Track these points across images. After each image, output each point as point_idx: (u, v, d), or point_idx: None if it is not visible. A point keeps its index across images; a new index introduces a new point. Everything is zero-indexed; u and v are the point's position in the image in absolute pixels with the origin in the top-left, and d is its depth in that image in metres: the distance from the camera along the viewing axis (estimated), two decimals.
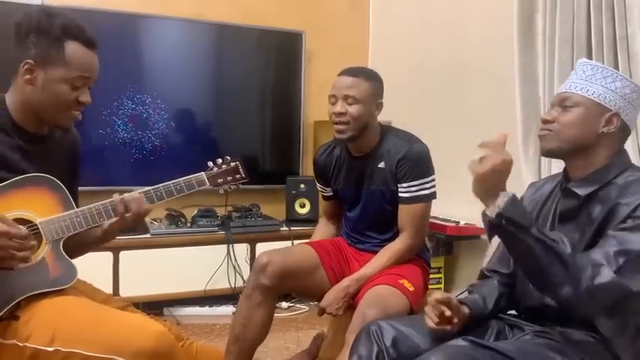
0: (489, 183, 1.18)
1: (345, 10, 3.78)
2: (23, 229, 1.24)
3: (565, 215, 1.35)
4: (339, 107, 1.81)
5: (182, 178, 1.52)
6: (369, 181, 1.91)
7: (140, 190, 1.47)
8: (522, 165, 2.41)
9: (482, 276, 1.55)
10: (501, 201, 1.17)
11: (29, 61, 1.34)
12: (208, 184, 1.55)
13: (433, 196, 1.88)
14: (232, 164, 1.59)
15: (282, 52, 3.52)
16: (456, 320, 1.34)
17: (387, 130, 1.94)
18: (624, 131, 1.33)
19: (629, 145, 2.01)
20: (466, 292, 1.48)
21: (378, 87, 1.88)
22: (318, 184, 2.14)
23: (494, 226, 1.19)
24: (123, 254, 2.84)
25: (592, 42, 2.13)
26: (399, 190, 1.86)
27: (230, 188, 1.60)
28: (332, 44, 3.68)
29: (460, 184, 2.99)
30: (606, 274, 1.14)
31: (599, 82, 1.30)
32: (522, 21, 2.42)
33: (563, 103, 1.33)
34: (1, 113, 1.36)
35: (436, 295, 1.36)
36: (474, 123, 2.94)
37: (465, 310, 1.38)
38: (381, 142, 1.90)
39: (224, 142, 3.40)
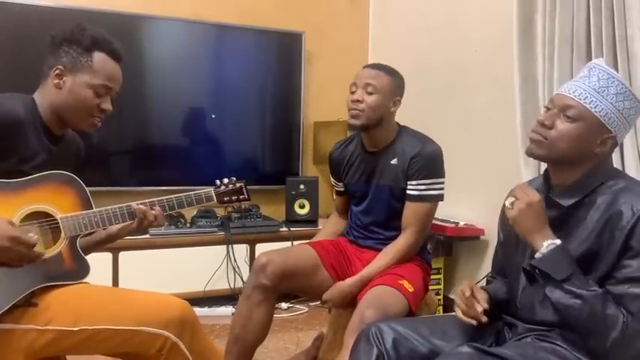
0: (523, 224, 1.26)
1: (345, 11, 3.78)
2: (32, 238, 1.30)
3: (550, 226, 1.32)
4: (357, 95, 1.86)
5: (192, 192, 1.62)
6: (379, 176, 1.93)
7: (154, 200, 1.57)
8: (522, 167, 2.41)
9: (488, 282, 1.60)
10: (542, 250, 1.23)
11: (60, 67, 1.46)
12: (215, 200, 1.67)
13: (441, 197, 1.89)
14: (237, 185, 1.71)
15: (281, 53, 3.52)
16: (484, 320, 1.34)
17: (403, 128, 1.97)
18: (613, 148, 1.30)
19: (629, 145, 2.01)
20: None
21: (398, 84, 1.93)
22: (331, 179, 2.16)
23: (528, 271, 1.26)
24: (122, 254, 2.84)
25: (591, 43, 2.13)
26: (408, 187, 1.87)
27: (234, 207, 1.76)
28: (331, 45, 3.68)
29: (460, 184, 3.01)
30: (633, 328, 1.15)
31: (611, 99, 1.24)
32: (522, 22, 2.42)
33: (565, 110, 1.26)
34: (34, 113, 1.45)
35: (463, 289, 1.38)
36: (473, 124, 2.94)
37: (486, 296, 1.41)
38: (396, 139, 1.93)
39: (224, 143, 3.40)
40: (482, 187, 2.87)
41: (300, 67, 3.52)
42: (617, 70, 2.05)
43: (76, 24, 1.50)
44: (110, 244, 1.64)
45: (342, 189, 2.10)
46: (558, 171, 1.33)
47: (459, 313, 1.36)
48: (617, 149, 2.04)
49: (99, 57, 1.48)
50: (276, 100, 3.53)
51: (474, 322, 1.33)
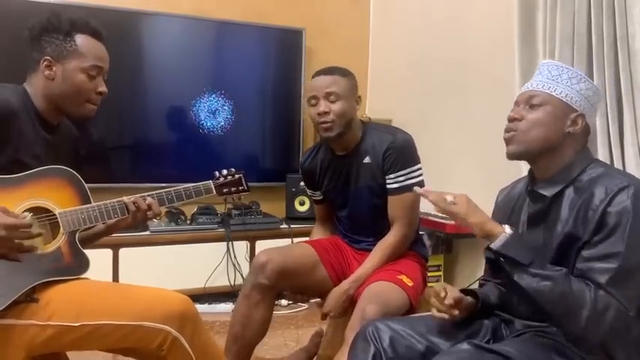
0: (477, 215, 1.29)
1: (346, 8, 3.78)
2: (27, 218, 1.29)
3: (534, 218, 1.36)
4: (322, 107, 1.82)
5: (191, 185, 1.61)
6: (356, 178, 1.91)
7: (153, 193, 1.56)
8: (522, 164, 2.41)
9: (481, 285, 1.59)
10: (501, 238, 1.25)
11: (47, 57, 1.45)
12: (215, 192, 1.66)
13: (422, 184, 1.88)
14: (237, 176, 1.71)
15: (282, 50, 3.52)
16: (456, 313, 1.36)
17: (368, 125, 1.95)
18: (586, 133, 1.35)
19: (629, 142, 2.01)
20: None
21: (354, 82, 1.92)
22: (307, 190, 2.15)
23: (494, 260, 1.26)
24: (122, 251, 2.84)
25: (592, 40, 2.12)
26: (387, 181, 1.86)
27: (233, 199, 1.73)
28: (332, 42, 3.67)
29: (460, 182, 3.01)
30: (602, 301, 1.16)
31: (565, 83, 1.32)
32: (523, 19, 2.41)
33: (530, 101, 1.34)
34: (27, 103, 1.45)
35: (438, 289, 1.39)
36: (473, 121, 2.94)
37: (468, 298, 1.41)
38: (363, 137, 1.91)
39: (224, 139, 3.40)
40: (482, 184, 2.87)
41: (300, 64, 3.51)
42: (618, 68, 2.05)
43: (50, 11, 1.49)
44: (108, 236, 1.63)
45: (321, 197, 2.08)
46: (539, 164, 1.36)
47: (433, 311, 1.39)
48: (617, 145, 2.06)
49: (82, 39, 1.47)
50: (277, 97, 3.53)
51: (446, 317, 1.36)
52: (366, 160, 1.88)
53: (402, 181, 1.85)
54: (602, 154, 2.07)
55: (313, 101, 1.86)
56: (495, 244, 1.25)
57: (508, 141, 1.35)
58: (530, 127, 1.31)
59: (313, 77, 1.89)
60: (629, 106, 2.00)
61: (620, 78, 2.03)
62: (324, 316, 1.84)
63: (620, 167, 2.03)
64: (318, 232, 2.15)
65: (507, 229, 1.26)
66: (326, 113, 1.82)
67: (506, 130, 1.36)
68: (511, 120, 1.35)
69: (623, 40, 2.01)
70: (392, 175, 1.85)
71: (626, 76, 2.01)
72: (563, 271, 1.20)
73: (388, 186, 1.86)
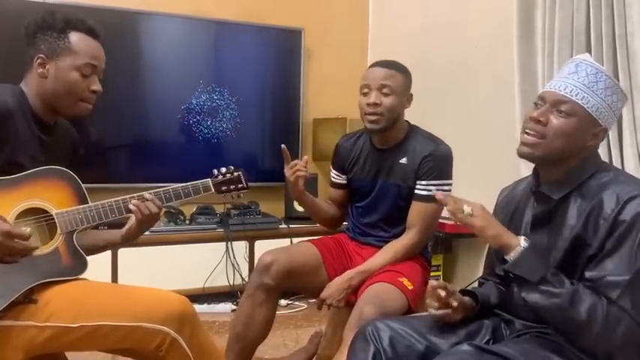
0: (492, 229, 1.26)
1: (345, 8, 3.77)
2: (26, 231, 1.28)
3: (538, 220, 1.34)
4: (373, 98, 1.81)
5: (189, 183, 1.60)
6: (387, 174, 1.91)
7: (150, 192, 1.54)
8: (521, 163, 2.41)
9: (480, 284, 1.59)
10: (515, 254, 1.22)
11: (41, 55, 1.44)
12: (213, 190, 1.64)
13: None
14: (235, 174, 1.68)
15: (281, 49, 3.52)
16: (455, 304, 1.35)
17: (414, 128, 1.95)
18: (602, 140, 1.32)
19: (629, 144, 2.01)
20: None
21: (409, 81, 1.90)
22: (332, 171, 2.10)
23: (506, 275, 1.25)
24: (122, 251, 2.83)
25: (591, 40, 2.13)
26: (417, 186, 1.85)
27: (232, 197, 1.71)
28: (331, 41, 3.67)
29: (459, 181, 2.99)
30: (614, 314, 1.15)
31: (600, 94, 1.24)
32: (522, 18, 2.42)
33: (558, 105, 1.25)
34: (23, 103, 1.44)
35: (432, 282, 1.39)
36: (473, 121, 2.94)
37: (466, 298, 1.40)
38: (407, 138, 1.90)
39: (223, 139, 3.39)
40: (481, 184, 2.87)
41: (299, 64, 3.51)
42: (617, 68, 2.05)
43: (46, 10, 1.49)
44: (116, 248, 1.63)
45: (343, 182, 2.05)
46: (549, 169, 1.33)
47: (431, 311, 1.38)
48: (616, 147, 2.06)
49: (76, 37, 1.46)
50: (276, 97, 3.53)
51: (448, 311, 1.35)
52: (403, 160, 1.88)
53: (433, 191, 1.83)
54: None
55: (365, 90, 1.84)
56: (509, 263, 1.22)
57: (527, 145, 1.28)
58: (554, 136, 1.25)
59: (370, 67, 1.88)
60: (628, 106, 2.01)
61: (619, 78, 2.03)
62: (320, 303, 1.80)
63: (620, 168, 2.04)
64: (327, 204, 2.11)
65: (523, 242, 1.22)
66: (376, 105, 1.81)
67: (528, 129, 1.29)
68: (535, 121, 1.27)
69: (622, 40, 2.02)
70: (424, 182, 1.84)
71: (625, 76, 2.02)
72: (572, 288, 1.18)
73: (417, 191, 1.85)
